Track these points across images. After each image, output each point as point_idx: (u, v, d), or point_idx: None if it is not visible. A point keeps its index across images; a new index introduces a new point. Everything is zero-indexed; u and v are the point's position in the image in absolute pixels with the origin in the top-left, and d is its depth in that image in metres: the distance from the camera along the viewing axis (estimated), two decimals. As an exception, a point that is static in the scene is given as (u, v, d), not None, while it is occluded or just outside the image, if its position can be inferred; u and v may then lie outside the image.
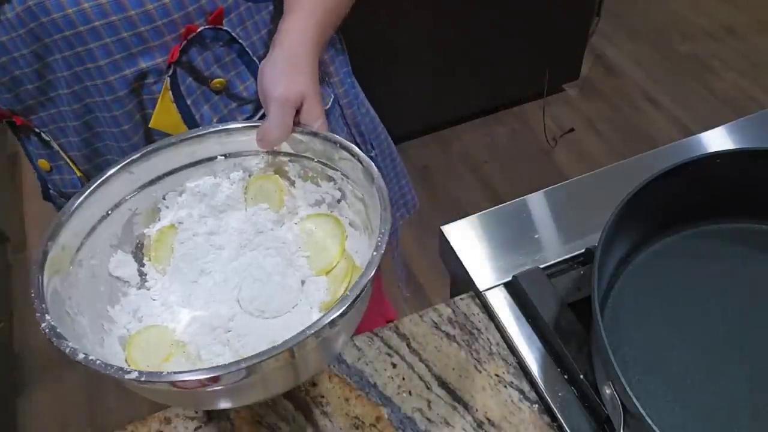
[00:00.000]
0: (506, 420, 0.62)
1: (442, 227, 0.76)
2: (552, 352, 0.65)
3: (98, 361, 0.43)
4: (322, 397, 0.65)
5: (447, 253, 0.76)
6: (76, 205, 0.54)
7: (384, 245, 0.47)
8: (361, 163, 0.54)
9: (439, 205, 1.99)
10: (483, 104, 2.23)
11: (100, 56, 0.59)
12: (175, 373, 0.42)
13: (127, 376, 0.42)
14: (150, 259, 0.60)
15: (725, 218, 0.71)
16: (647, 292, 0.66)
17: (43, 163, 0.72)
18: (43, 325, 0.45)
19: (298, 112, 0.58)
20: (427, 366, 0.67)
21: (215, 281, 0.58)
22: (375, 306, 1.06)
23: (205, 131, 0.60)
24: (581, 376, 0.60)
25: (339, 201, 0.60)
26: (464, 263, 0.72)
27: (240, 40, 0.65)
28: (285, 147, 0.60)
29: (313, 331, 0.42)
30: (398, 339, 0.69)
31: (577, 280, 0.69)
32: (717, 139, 0.85)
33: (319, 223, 0.60)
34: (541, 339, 0.66)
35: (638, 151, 0.83)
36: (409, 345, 0.69)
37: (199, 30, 0.61)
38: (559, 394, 0.62)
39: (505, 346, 0.67)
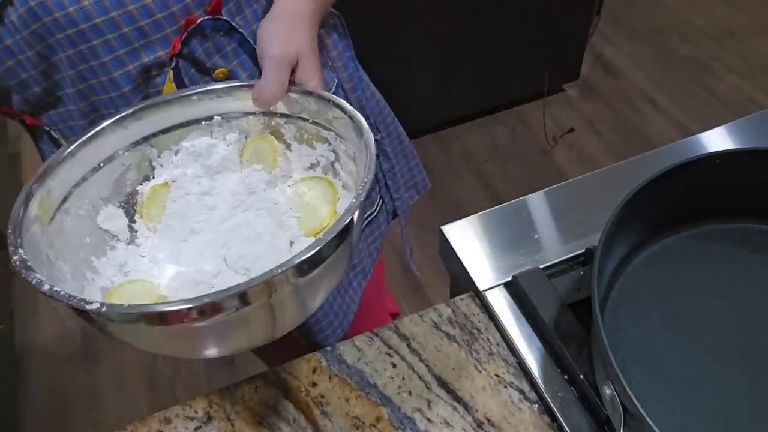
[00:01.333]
0: (506, 420, 0.62)
1: (442, 227, 0.76)
2: (552, 353, 0.65)
3: (62, 292, 0.42)
4: (322, 397, 0.65)
5: (447, 253, 0.76)
6: (67, 152, 0.54)
7: (365, 194, 0.47)
8: (351, 118, 0.54)
9: (439, 205, 1.99)
10: (483, 104, 2.23)
11: (103, 53, 0.60)
12: (138, 305, 0.41)
13: (88, 307, 0.41)
14: (141, 216, 0.59)
15: (725, 218, 0.71)
16: (647, 292, 0.66)
17: None
18: (14, 258, 0.45)
19: (294, 71, 0.58)
20: (427, 366, 0.67)
21: (205, 240, 0.57)
22: (377, 301, 1.06)
23: (200, 89, 0.60)
24: (581, 376, 0.60)
25: (333, 163, 0.59)
26: (464, 263, 0.72)
27: (240, 30, 0.65)
28: (281, 108, 0.60)
29: (285, 268, 0.42)
30: (398, 339, 0.69)
31: (577, 280, 0.69)
32: (717, 140, 0.85)
33: (312, 185, 0.60)
34: (541, 339, 0.66)
35: (638, 151, 0.83)
36: (409, 345, 0.69)
37: (198, 21, 0.62)
38: (559, 394, 0.62)
39: (505, 346, 0.67)
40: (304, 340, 0.84)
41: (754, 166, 0.66)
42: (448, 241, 0.75)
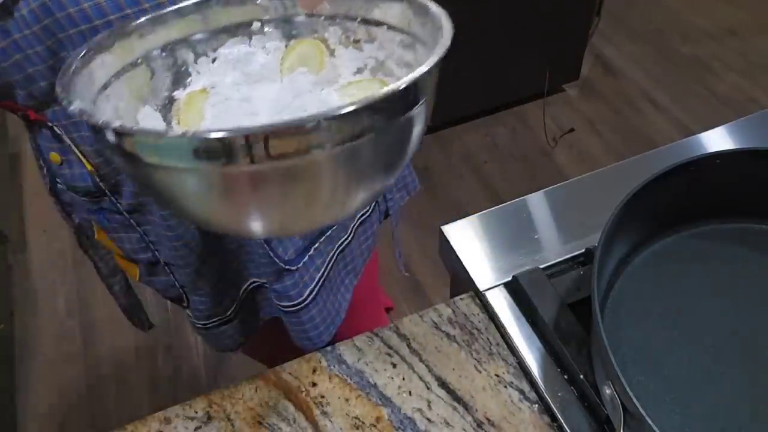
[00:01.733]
0: (506, 420, 0.62)
1: (442, 227, 0.76)
2: (552, 353, 0.65)
3: (134, 127, 0.40)
4: (322, 397, 0.65)
5: (447, 253, 0.76)
6: (103, 39, 0.52)
7: (442, 53, 0.44)
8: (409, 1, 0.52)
9: (439, 205, 1.99)
10: (483, 104, 2.23)
11: None
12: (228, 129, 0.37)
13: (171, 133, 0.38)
14: (179, 122, 0.57)
15: (725, 218, 0.71)
16: (647, 292, 0.66)
17: (54, 156, 0.72)
18: (71, 108, 0.42)
19: None
20: (427, 366, 0.67)
21: None
22: (372, 298, 1.07)
23: None
24: (581, 376, 0.60)
25: (383, 62, 0.57)
26: (464, 263, 0.72)
27: None
28: (325, 9, 0.57)
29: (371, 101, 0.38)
30: (398, 339, 0.69)
31: (577, 280, 0.69)
32: (717, 140, 0.85)
33: (361, 86, 0.57)
34: (541, 339, 0.66)
35: (638, 151, 0.84)
36: (409, 345, 0.69)
37: None
38: (559, 394, 0.62)
39: (505, 346, 0.67)
40: (297, 337, 0.84)
41: (755, 166, 0.66)
42: (448, 241, 0.75)
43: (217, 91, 0.57)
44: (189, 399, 0.66)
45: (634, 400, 0.51)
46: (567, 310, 0.65)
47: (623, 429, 0.53)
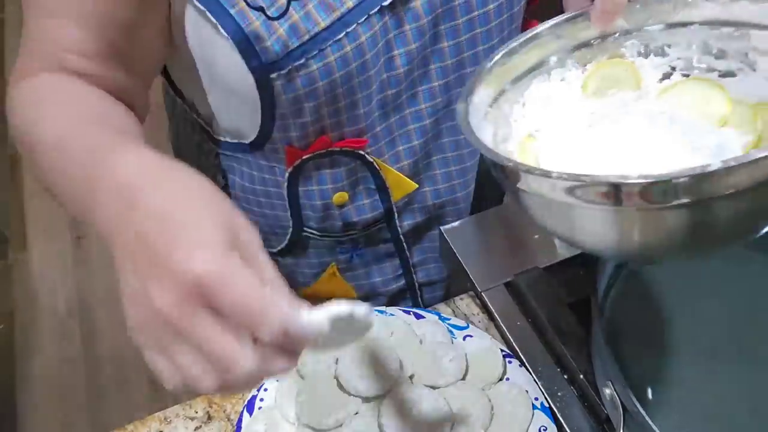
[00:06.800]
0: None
1: (441, 227, 0.76)
2: (552, 352, 0.64)
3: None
4: (322, 397, 0.65)
5: (447, 253, 0.76)
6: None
7: None
8: None
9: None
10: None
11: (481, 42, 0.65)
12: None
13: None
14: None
15: (725, 218, 0.71)
16: (647, 292, 0.66)
17: (343, 196, 0.70)
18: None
19: None
20: (427, 366, 0.67)
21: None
22: None
23: (538, 30, 0.57)
24: (581, 376, 0.60)
25: (700, 58, 0.56)
26: (464, 263, 0.72)
27: None
28: (619, 25, 0.56)
29: None
30: (398, 339, 0.69)
31: (577, 280, 0.69)
32: (717, 140, 0.85)
33: (684, 90, 0.56)
34: (541, 339, 0.66)
35: (638, 151, 0.83)
36: (409, 345, 0.68)
37: None
38: (559, 394, 0.62)
39: (505, 346, 0.67)
40: None
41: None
42: (448, 241, 0.75)
43: (540, 133, 0.57)
44: (189, 399, 0.66)
45: (634, 400, 0.51)
46: (567, 310, 0.65)
47: (623, 429, 0.53)
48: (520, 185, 0.46)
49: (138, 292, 0.37)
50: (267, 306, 0.35)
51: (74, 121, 0.52)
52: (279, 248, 0.75)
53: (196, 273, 0.34)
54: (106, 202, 0.41)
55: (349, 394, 0.60)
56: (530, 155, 0.56)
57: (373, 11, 0.57)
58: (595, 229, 0.47)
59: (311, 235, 0.74)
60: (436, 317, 0.67)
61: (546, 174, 0.43)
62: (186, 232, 0.36)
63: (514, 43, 0.56)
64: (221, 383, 0.36)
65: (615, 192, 0.41)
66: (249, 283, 0.35)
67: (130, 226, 0.39)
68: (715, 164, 0.38)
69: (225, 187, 0.73)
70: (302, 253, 0.76)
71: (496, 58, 0.56)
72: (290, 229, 0.73)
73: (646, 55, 0.57)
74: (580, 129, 0.56)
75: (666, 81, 0.57)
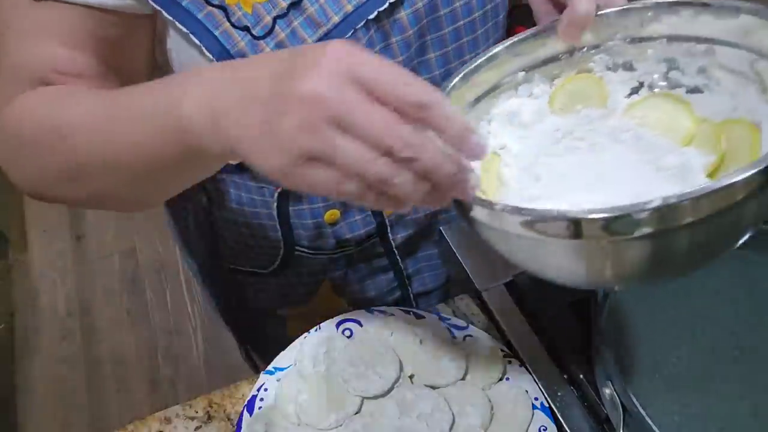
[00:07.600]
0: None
1: (441, 227, 0.76)
2: (552, 352, 0.65)
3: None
4: (322, 397, 0.65)
5: (447, 253, 0.76)
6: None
7: None
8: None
9: (439, 206, 1.99)
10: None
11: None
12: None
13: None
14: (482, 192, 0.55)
15: (725, 218, 0.71)
16: (647, 292, 0.66)
17: (335, 214, 0.70)
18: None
19: None
20: (427, 366, 0.67)
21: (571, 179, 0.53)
22: None
23: (503, 45, 0.55)
24: (581, 376, 0.60)
25: (667, 73, 0.55)
26: (464, 263, 0.72)
27: None
28: (587, 39, 0.55)
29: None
30: (398, 339, 0.69)
31: (577, 281, 0.69)
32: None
33: (650, 105, 0.55)
34: (541, 339, 0.66)
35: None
36: (409, 345, 0.69)
37: None
38: (559, 394, 0.62)
39: (505, 346, 0.67)
40: None
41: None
42: (447, 241, 0.75)
43: (505, 151, 0.56)
44: (189, 399, 0.66)
45: (634, 400, 0.51)
46: (567, 309, 0.65)
47: (623, 429, 0.53)
48: (472, 214, 0.45)
49: (287, 100, 0.36)
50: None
51: (101, 93, 0.51)
52: (271, 268, 0.75)
53: (352, 62, 0.36)
54: (201, 82, 0.42)
55: (349, 394, 0.60)
56: (493, 174, 0.55)
57: (358, 26, 0.56)
58: (542, 259, 0.46)
59: (304, 254, 0.73)
60: (436, 317, 0.67)
61: (489, 206, 0.43)
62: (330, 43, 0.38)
63: (480, 59, 0.55)
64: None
65: (557, 225, 0.41)
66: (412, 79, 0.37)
67: (247, 72, 0.40)
68: (656, 200, 0.38)
69: (209, 206, 0.72)
70: (295, 271, 0.75)
71: (463, 72, 0.54)
72: (282, 249, 0.72)
73: (615, 70, 0.57)
74: (545, 146, 0.55)
75: (634, 96, 0.56)
